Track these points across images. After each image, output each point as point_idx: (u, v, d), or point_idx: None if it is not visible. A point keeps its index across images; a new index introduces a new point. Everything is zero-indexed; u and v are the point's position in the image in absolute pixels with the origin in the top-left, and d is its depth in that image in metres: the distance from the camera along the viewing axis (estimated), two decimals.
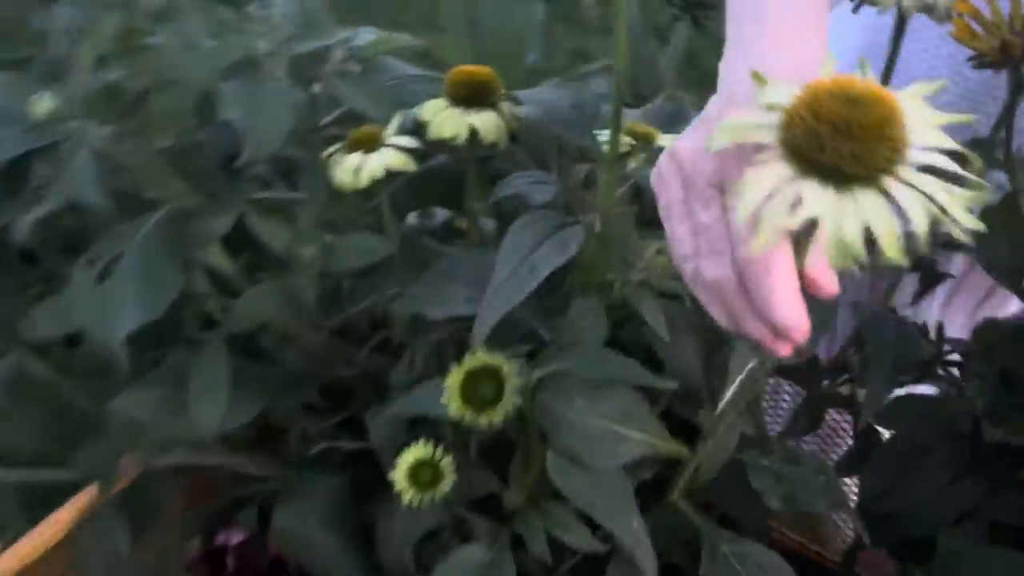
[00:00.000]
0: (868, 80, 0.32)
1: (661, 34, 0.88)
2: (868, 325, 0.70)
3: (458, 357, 0.56)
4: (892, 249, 0.30)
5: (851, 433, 0.84)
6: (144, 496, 0.85)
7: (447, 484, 0.57)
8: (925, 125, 0.33)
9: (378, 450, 0.71)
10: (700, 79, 1.06)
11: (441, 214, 0.92)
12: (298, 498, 0.84)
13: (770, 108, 0.33)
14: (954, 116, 0.34)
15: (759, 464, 0.57)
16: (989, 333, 0.74)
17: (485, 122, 0.60)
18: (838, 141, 0.30)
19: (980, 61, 0.60)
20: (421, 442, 0.58)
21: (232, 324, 0.69)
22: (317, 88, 0.68)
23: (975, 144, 0.64)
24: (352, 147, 0.64)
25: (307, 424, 0.88)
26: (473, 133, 0.61)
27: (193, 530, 0.95)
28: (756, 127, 0.33)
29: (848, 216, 0.30)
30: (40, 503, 0.76)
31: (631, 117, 0.79)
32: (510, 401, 0.52)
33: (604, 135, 0.61)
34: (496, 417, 0.52)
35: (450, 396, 0.53)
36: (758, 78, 0.35)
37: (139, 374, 0.70)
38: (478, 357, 0.53)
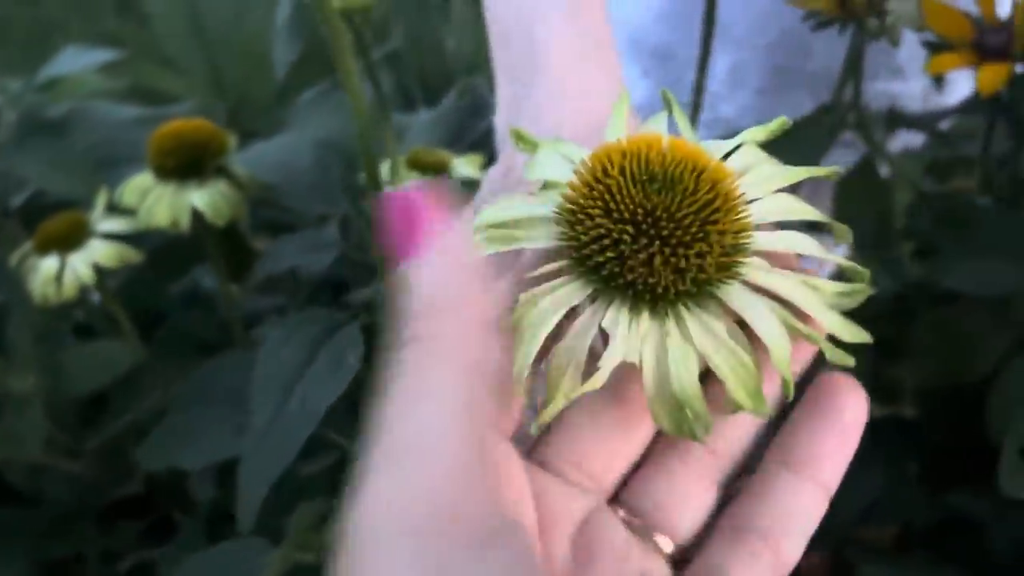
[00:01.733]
0: (676, 137, 0.23)
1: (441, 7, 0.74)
2: None
3: None
4: (746, 395, 0.21)
5: None
6: None
7: None
8: (765, 187, 0.23)
9: None
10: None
11: None
12: None
13: (546, 188, 0.24)
14: (803, 170, 0.24)
15: None
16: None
17: (211, 199, 0.43)
18: (642, 246, 0.21)
19: (819, 21, 0.49)
20: None
21: None
22: None
23: (820, 111, 0.54)
24: (44, 246, 0.47)
25: (104, 542, 0.73)
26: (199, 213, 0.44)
27: None
28: (528, 223, 0.23)
29: (675, 355, 0.21)
30: None
31: (421, 124, 0.65)
32: None
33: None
34: None
35: None
36: (521, 138, 0.25)
37: None
38: None
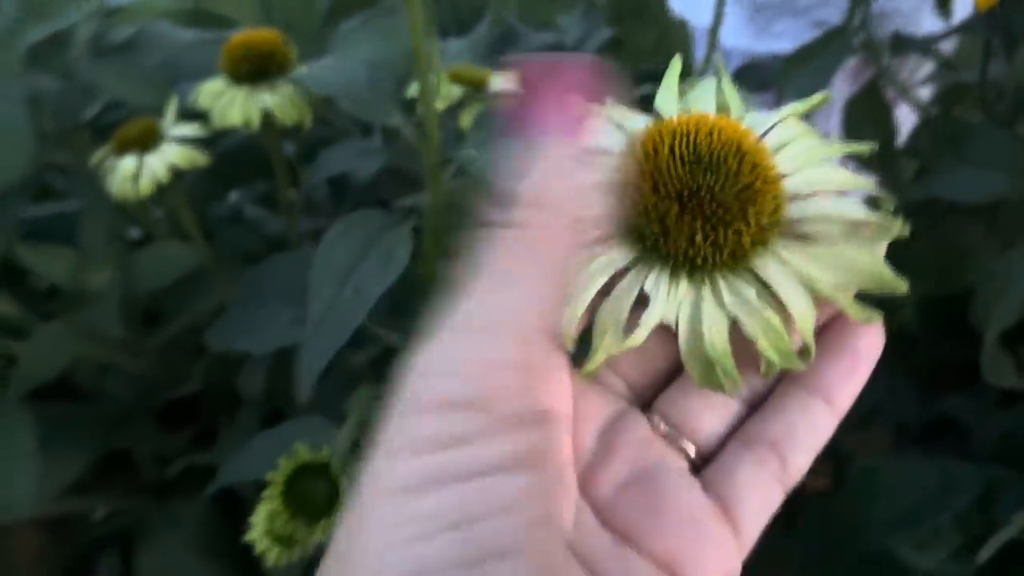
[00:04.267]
0: (723, 118, 0.24)
1: None
2: None
3: None
4: (775, 353, 0.22)
5: None
6: None
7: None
8: (808, 161, 0.24)
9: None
10: None
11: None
12: (162, 531, 0.75)
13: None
14: (840, 146, 0.25)
15: None
16: None
17: (280, 101, 0.49)
18: (685, 222, 0.22)
19: None
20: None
21: (27, 377, 0.57)
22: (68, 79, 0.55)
23: (830, 35, 0.58)
24: (122, 147, 0.52)
25: (157, 447, 0.78)
26: (268, 114, 0.49)
27: None
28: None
29: (707, 318, 0.23)
30: None
31: (454, 51, 0.69)
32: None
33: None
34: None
35: (265, 524, 0.42)
36: None
37: None
38: (298, 455, 0.41)
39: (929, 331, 0.68)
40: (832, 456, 0.71)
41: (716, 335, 0.22)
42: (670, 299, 0.23)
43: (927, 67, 0.70)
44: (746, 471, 0.23)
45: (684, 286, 0.23)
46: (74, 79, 0.58)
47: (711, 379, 0.23)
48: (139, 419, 0.72)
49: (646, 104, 0.77)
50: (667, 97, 0.26)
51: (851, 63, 0.62)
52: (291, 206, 0.56)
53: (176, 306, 0.65)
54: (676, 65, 0.26)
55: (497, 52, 0.70)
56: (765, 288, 0.23)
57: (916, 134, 0.63)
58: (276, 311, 0.55)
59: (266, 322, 0.55)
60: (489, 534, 0.17)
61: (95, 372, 0.69)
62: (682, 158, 0.22)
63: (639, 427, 0.24)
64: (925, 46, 0.58)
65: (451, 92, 0.54)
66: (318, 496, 0.44)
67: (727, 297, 0.23)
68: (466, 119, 0.52)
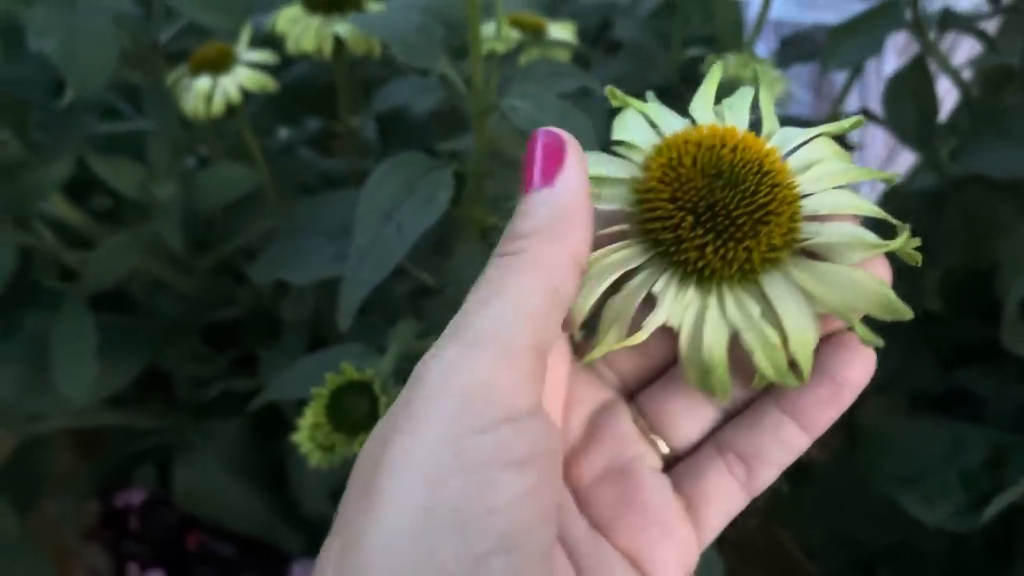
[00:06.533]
0: (751, 134, 0.24)
1: None
2: None
3: None
4: (770, 367, 0.23)
5: None
6: (25, 466, 0.78)
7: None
8: (826, 183, 0.24)
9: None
10: None
11: (313, 121, 0.83)
12: (198, 449, 0.79)
13: (628, 149, 0.26)
14: (864, 171, 0.25)
15: None
16: (897, 200, 0.72)
17: (352, 31, 0.51)
18: (698, 234, 0.23)
19: None
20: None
21: (91, 281, 0.60)
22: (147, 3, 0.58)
23: (880, 8, 0.60)
24: (198, 68, 0.55)
25: (196, 369, 0.82)
26: (339, 43, 0.52)
27: (87, 492, 0.89)
28: (607, 183, 0.25)
29: (710, 326, 0.23)
30: None
31: (513, 2, 0.71)
32: None
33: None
34: None
35: (309, 431, 0.45)
36: (614, 96, 0.26)
37: None
38: (344, 373, 0.44)
39: (951, 308, 0.70)
40: (847, 420, 0.73)
41: (715, 344, 0.23)
42: (676, 303, 0.24)
43: (966, 46, 0.71)
44: (714, 475, 0.24)
45: (691, 292, 0.24)
46: (152, 3, 0.60)
47: (706, 383, 0.24)
48: (184, 337, 0.76)
49: (690, 67, 0.79)
50: (702, 103, 0.26)
51: (898, 38, 0.63)
52: (352, 133, 0.59)
53: (230, 228, 0.68)
54: (716, 73, 0.27)
55: (552, 9, 0.72)
56: (770, 305, 0.23)
57: (958, 112, 0.65)
58: (321, 245, 0.57)
59: (311, 255, 0.57)
60: (491, 531, 0.19)
61: (147, 288, 0.72)
62: (703, 171, 0.23)
63: (622, 420, 0.26)
64: (973, 24, 0.59)
65: (510, 36, 0.56)
66: (359, 413, 0.47)
67: (731, 309, 0.23)
68: (526, 58, 0.54)
